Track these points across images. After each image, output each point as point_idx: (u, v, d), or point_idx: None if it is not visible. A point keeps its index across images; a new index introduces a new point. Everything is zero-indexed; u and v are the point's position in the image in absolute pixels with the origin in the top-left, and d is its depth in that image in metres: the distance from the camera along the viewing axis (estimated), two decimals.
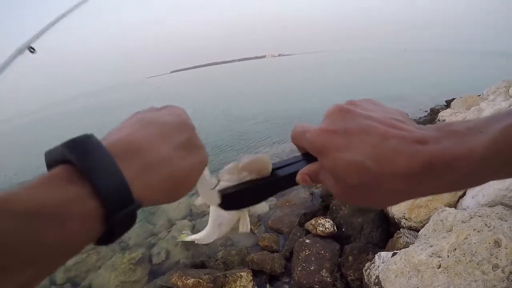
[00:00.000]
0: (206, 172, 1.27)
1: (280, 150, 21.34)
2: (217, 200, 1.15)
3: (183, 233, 2.07)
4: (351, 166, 0.71)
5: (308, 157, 0.98)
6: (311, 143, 0.84)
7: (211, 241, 1.67)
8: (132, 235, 15.62)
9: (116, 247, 15.20)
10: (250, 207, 1.33)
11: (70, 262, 14.88)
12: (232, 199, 1.13)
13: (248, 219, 1.43)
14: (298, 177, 0.94)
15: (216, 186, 1.21)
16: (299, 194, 12.99)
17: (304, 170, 0.93)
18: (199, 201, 1.42)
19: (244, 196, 1.13)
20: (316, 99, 44.35)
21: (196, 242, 1.88)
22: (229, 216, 1.41)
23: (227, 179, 1.17)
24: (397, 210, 8.40)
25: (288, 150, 21.19)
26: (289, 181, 1.03)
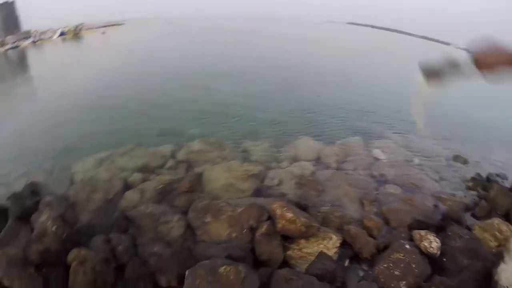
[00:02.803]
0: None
1: None
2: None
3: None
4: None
5: None
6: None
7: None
8: (257, 151, 16.46)
9: (239, 154, 16.17)
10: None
11: (196, 147, 16.42)
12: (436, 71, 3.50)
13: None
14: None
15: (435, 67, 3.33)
16: (425, 200, 12.49)
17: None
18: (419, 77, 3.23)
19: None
20: None
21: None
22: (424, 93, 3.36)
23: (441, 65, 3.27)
24: (506, 278, 7.73)
25: None
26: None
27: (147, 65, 41.60)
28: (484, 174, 15.52)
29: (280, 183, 13.77)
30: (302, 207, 11.17)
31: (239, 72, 36.15)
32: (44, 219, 11.25)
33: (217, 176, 14.24)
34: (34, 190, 14.38)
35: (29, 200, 13.20)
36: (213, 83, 31.18)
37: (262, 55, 49.12)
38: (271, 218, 10.36)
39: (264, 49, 55.17)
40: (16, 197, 13.09)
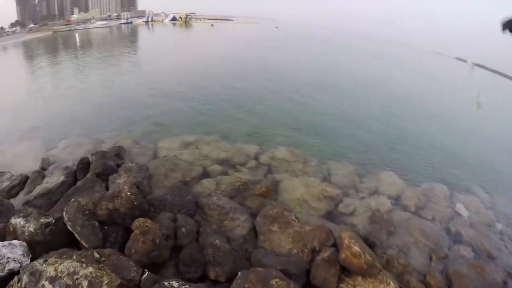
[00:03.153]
0: None
1: None
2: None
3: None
4: None
5: None
6: None
7: None
8: (339, 174, 16.56)
9: (319, 173, 16.34)
10: None
11: (280, 154, 17.05)
12: None
13: None
14: None
15: None
16: (495, 272, 11.81)
17: None
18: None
19: None
20: None
21: None
22: None
23: None
24: None
25: None
26: None
27: (250, 64, 42.92)
28: None
29: (354, 212, 13.81)
30: (369, 243, 11.15)
31: (338, 89, 36.42)
32: (121, 182, 12.19)
33: (294, 189, 14.54)
34: (119, 154, 15.65)
35: (111, 161, 14.35)
36: (312, 94, 31.81)
37: (365, 75, 48.81)
38: (336, 245, 10.43)
39: (369, 70, 54.61)
40: (101, 155, 14.24)
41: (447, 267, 11.68)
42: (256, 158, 16.93)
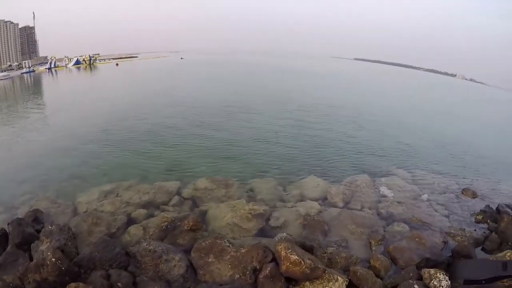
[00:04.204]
0: None
1: None
2: None
3: None
4: None
5: None
6: None
7: None
8: (263, 190, 16.41)
9: (244, 194, 16.08)
10: None
11: (202, 185, 16.67)
12: None
13: None
14: None
15: None
16: (433, 237, 12.23)
17: None
18: None
19: None
20: None
21: None
22: None
23: None
24: None
25: None
26: None
27: (158, 99, 42.27)
28: (493, 206, 15.43)
29: (285, 223, 13.61)
30: (307, 248, 10.90)
31: (246, 108, 36.87)
32: (44, 248, 11.01)
33: (222, 215, 14.11)
34: (36, 218, 14.25)
35: (30, 228, 12.99)
36: (221, 118, 31.91)
37: (272, 89, 49.81)
38: (275, 259, 10.16)
39: (274, 84, 55.83)
40: (17, 223, 12.86)
41: (387, 246, 11.82)
42: (178, 193, 16.25)
